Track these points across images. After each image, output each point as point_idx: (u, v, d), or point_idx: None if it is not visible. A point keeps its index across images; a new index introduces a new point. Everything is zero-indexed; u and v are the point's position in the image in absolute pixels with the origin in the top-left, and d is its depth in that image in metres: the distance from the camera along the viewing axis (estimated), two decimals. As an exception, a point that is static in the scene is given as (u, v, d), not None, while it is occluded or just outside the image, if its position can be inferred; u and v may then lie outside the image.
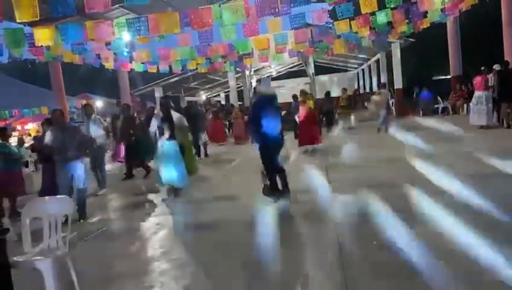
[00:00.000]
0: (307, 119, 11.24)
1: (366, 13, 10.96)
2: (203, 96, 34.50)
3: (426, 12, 11.85)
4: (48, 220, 3.60)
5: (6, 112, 17.86)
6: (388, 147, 10.71)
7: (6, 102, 18.36)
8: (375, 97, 15.13)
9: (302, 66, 25.43)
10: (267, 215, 5.75)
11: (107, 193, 8.68)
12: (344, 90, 17.15)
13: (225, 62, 16.32)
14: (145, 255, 4.72)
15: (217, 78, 28.24)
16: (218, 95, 37.66)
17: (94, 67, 14.95)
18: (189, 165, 9.18)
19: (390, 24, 12.79)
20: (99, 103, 24.28)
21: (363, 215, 5.15)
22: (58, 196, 3.85)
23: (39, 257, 3.38)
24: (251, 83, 24.29)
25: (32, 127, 23.45)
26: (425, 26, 12.92)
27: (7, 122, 19.36)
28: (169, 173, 7.38)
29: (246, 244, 4.64)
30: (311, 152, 11.03)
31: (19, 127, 21.88)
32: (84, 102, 21.84)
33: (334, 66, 33.52)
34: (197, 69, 16.64)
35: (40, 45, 8.09)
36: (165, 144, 7.41)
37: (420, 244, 4.00)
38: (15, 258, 3.34)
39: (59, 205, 3.64)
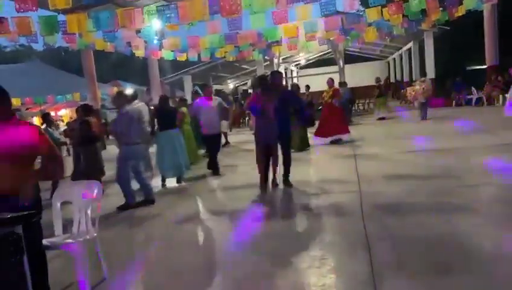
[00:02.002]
0: (328, 109, 11.03)
1: (399, 0, 10.68)
2: (230, 84, 34.55)
3: (462, -1, 11.45)
4: (78, 203, 3.69)
5: (41, 98, 18.34)
6: (424, 137, 10.43)
7: (41, 88, 18.89)
8: (418, 86, 14.86)
9: (332, 55, 25.04)
10: (289, 207, 5.75)
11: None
12: (378, 79, 16.77)
13: (253, 50, 16.25)
14: (172, 242, 4.77)
15: (244, 66, 28.20)
16: (246, 83, 37.62)
17: (125, 55, 15.18)
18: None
19: (423, 12, 12.41)
20: (129, 91, 24.61)
21: (393, 207, 5.06)
22: (88, 180, 3.92)
23: (69, 240, 3.47)
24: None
25: (65, 113, 24.09)
26: (460, 14, 12.45)
27: (42, 107, 19.91)
28: (170, 162, 7.57)
29: (272, 234, 4.64)
30: (337, 142, 10.84)
31: (52, 113, 22.50)
32: (115, 89, 22.30)
33: (363, 55, 32.94)
34: (225, 57, 16.64)
35: (72, 32, 8.24)
36: (167, 134, 7.54)
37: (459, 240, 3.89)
38: (46, 241, 3.43)
39: (89, 189, 3.70)
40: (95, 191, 3.70)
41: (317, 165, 8.18)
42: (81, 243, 3.46)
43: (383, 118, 15.91)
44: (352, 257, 3.77)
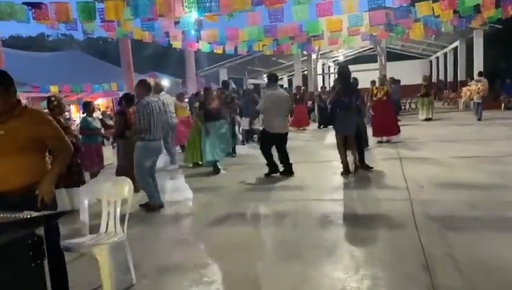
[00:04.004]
0: (380, 108, 10.42)
1: (454, -6, 10.00)
2: (266, 79, 34.12)
3: (520, -6, 10.58)
4: (106, 202, 3.38)
5: (78, 86, 18.47)
6: (477, 141, 9.73)
7: (79, 77, 19.06)
8: (474, 86, 14.46)
9: (373, 51, 24.19)
10: (333, 213, 5.28)
11: (174, 173, 8.63)
12: (425, 77, 15.97)
13: (292, 44, 15.73)
14: (207, 246, 4.42)
15: (281, 61, 27.70)
16: (281, 78, 37.07)
17: (163, 46, 15.02)
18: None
19: (475, 8, 11.59)
20: (165, 82, 24.65)
21: (449, 220, 4.53)
22: (119, 177, 3.60)
23: (95, 242, 3.16)
24: (316, 66, 23.52)
25: (102, 102, 24.34)
26: (515, 12, 11.54)
27: (79, 96, 20.11)
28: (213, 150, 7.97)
29: (315, 245, 4.20)
30: (386, 143, 10.24)
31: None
32: (152, 80, 22.31)
33: (405, 53, 31.74)
34: (262, 51, 16.22)
35: (109, 19, 8.03)
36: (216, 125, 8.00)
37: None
38: (71, 242, 3.14)
39: (119, 187, 3.39)
40: (125, 188, 3.38)
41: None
42: (107, 245, 3.14)
43: (429, 119, 15.13)
44: (409, 278, 3.29)
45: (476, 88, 14.20)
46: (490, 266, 3.37)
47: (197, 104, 9.05)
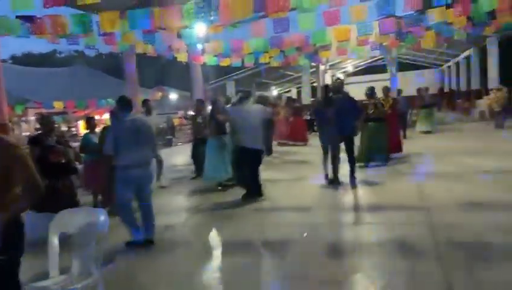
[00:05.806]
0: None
1: (470, -1, 9.55)
2: (274, 91, 33.73)
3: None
4: (78, 237, 2.92)
5: (83, 101, 18.22)
6: (499, 154, 8.99)
7: (84, 92, 18.85)
8: (494, 95, 14.46)
9: (383, 62, 23.72)
10: (341, 240, 4.76)
11: (169, 192, 8.11)
12: (426, 89, 15.26)
13: (299, 55, 15.30)
14: (200, 282, 3.91)
15: (289, 72, 27.33)
16: (290, 90, 36.65)
17: (169, 60, 14.71)
18: None
19: (491, 14, 11.08)
20: (173, 96, 24.40)
21: (479, 248, 3.98)
22: (92, 208, 3.15)
23: (62, 286, 2.69)
24: (324, 78, 23.11)
25: (107, 117, 24.06)
26: (533, 17, 11.01)
27: (86, 111, 19.86)
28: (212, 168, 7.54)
29: (324, 278, 3.69)
30: (395, 159, 9.39)
31: (97, 117, 22.41)
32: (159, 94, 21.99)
33: (416, 63, 31.18)
34: (269, 63, 15.83)
35: (104, 31, 7.67)
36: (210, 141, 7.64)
37: None
38: (36, 285, 2.68)
39: (93, 218, 2.93)
40: (100, 220, 2.92)
41: (371, 185, 7.14)
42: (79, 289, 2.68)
43: (427, 132, 13.98)
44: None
45: (495, 96, 13.92)
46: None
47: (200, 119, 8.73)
